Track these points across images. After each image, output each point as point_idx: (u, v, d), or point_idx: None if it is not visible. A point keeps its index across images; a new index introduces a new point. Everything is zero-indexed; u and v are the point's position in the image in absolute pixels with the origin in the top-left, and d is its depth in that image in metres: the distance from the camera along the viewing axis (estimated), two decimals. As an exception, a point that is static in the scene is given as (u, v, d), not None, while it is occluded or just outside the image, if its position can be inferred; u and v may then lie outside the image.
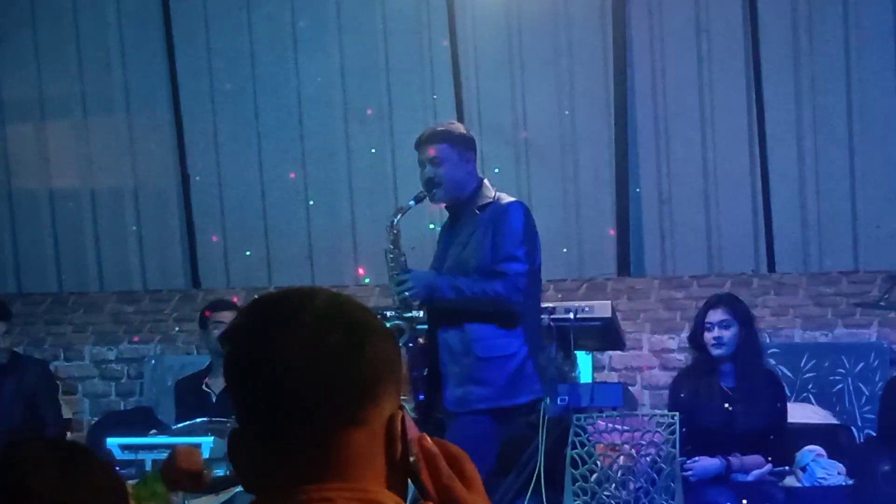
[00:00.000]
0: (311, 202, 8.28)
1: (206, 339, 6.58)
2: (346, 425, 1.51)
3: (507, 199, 5.09)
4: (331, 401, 1.50)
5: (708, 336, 5.76)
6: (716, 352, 5.75)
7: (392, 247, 5.12)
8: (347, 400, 1.51)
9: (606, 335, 6.00)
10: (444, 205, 5.23)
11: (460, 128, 5.27)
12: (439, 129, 5.14)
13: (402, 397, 4.91)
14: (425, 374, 5.11)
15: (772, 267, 7.69)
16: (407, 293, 5.00)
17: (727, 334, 5.73)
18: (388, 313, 5.01)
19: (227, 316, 6.43)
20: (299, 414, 1.49)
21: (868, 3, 7.52)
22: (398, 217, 5.16)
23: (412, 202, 5.15)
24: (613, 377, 7.29)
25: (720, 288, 7.17)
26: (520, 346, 5.02)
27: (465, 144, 5.11)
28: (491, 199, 5.05)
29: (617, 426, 5.57)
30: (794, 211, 7.65)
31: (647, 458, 5.53)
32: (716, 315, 5.76)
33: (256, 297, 1.61)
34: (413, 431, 1.57)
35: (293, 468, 1.51)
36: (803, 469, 5.79)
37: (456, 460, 1.58)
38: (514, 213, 5.02)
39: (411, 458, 1.56)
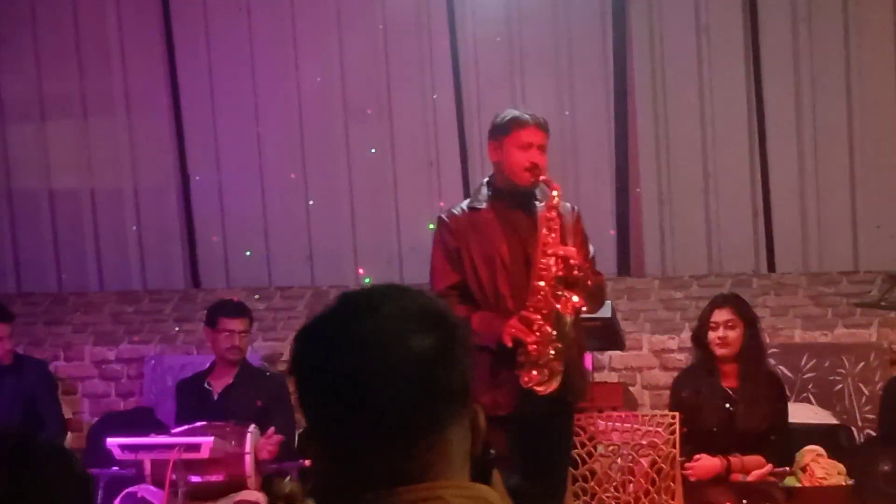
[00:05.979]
0: (311, 202, 8.28)
1: (214, 340, 6.48)
2: (453, 423, 1.52)
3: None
4: (441, 399, 1.51)
5: (712, 335, 5.76)
6: (720, 351, 5.75)
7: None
8: (455, 396, 1.53)
9: (606, 335, 6.01)
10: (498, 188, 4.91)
11: None
12: (543, 118, 4.94)
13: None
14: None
15: (772, 267, 7.68)
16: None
17: (732, 334, 5.73)
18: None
19: (238, 324, 6.39)
20: (410, 415, 1.49)
21: (868, 3, 7.52)
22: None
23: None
24: (613, 377, 7.28)
25: (720, 288, 7.17)
26: None
27: None
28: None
29: (617, 426, 5.57)
30: (794, 211, 7.64)
31: (647, 458, 5.53)
32: (721, 315, 5.76)
33: (341, 296, 1.59)
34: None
35: (396, 467, 1.50)
36: (803, 469, 5.79)
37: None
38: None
39: (492, 452, 1.58)
